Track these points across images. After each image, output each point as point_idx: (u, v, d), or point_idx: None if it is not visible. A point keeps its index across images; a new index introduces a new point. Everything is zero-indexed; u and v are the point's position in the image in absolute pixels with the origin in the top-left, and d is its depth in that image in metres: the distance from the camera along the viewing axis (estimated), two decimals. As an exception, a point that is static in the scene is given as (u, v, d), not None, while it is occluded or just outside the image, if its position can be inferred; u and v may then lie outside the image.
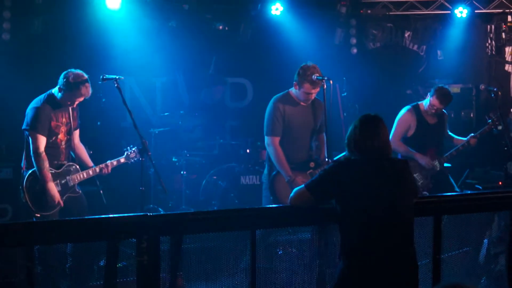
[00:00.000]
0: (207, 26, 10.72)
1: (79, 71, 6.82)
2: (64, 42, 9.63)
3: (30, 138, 6.72)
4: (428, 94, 8.14)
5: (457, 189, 8.29)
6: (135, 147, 7.14)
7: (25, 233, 4.38)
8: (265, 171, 7.39)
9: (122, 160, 7.18)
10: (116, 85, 6.68)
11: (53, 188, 6.74)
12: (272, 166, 7.26)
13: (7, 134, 8.81)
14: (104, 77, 6.74)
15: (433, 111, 8.07)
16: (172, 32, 10.40)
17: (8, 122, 8.32)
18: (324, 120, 7.12)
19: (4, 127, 8.84)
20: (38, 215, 6.69)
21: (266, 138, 7.27)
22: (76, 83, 6.73)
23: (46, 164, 6.68)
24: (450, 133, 8.40)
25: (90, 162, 7.13)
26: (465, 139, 8.25)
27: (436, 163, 8.08)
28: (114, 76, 6.70)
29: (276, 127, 7.16)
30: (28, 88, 7.16)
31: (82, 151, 7.18)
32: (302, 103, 7.26)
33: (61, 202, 6.79)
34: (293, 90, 7.27)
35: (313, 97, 7.26)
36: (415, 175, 7.84)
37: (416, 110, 8.18)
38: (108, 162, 7.09)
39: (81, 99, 6.86)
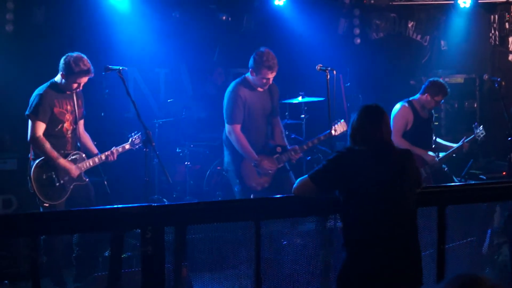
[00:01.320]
0: (211, 16, 10.71)
1: (77, 53, 6.84)
2: (67, 33, 9.61)
3: (30, 125, 6.74)
4: (427, 94, 8.16)
5: (456, 181, 8.34)
6: (139, 133, 7.17)
7: (30, 224, 4.39)
8: (228, 159, 7.51)
9: (127, 146, 7.21)
10: (119, 75, 6.69)
11: (65, 162, 6.78)
12: (236, 153, 7.35)
13: (11, 125, 8.81)
14: (108, 68, 6.75)
15: (433, 105, 8.15)
16: (175, 22, 10.39)
17: (12, 113, 8.32)
18: (276, 105, 7.52)
19: (8, 118, 8.84)
20: (47, 205, 6.72)
21: (227, 126, 7.39)
22: (77, 64, 6.74)
23: (48, 144, 6.70)
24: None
25: (95, 150, 7.17)
26: (454, 145, 8.33)
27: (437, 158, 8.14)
28: (117, 67, 6.71)
29: (238, 114, 7.28)
30: (32, 79, 7.17)
31: (87, 140, 7.21)
32: (259, 89, 7.32)
33: (76, 174, 6.82)
34: (250, 77, 7.32)
35: (270, 82, 7.31)
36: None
37: (411, 105, 8.24)
38: (114, 148, 7.13)
39: (85, 79, 6.87)
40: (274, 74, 7.27)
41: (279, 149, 7.43)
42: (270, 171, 7.39)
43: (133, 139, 7.23)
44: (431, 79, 8.46)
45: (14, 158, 8.59)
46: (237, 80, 7.45)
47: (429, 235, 5.19)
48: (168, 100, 9.92)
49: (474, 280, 2.68)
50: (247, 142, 7.30)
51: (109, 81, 8.32)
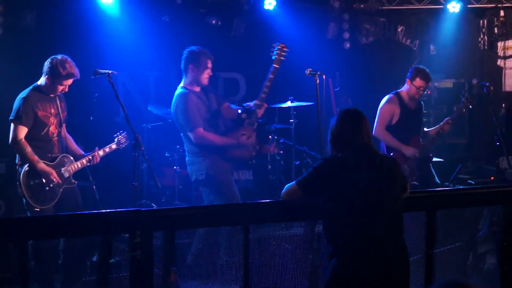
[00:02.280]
0: (200, 20, 10.70)
1: (62, 55, 6.83)
2: (57, 37, 9.59)
3: (13, 128, 6.71)
4: (407, 80, 8.18)
5: (437, 180, 8.35)
6: (125, 132, 7.18)
7: (18, 228, 4.38)
8: (205, 165, 7.25)
9: (114, 146, 7.21)
10: (109, 79, 6.68)
11: (45, 167, 6.74)
12: (214, 153, 7.22)
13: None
14: (97, 71, 6.75)
15: (421, 93, 8.15)
16: (165, 26, 10.38)
17: (0, 117, 8.30)
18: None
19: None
20: (38, 209, 6.69)
21: (192, 134, 7.18)
22: (63, 66, 6.73)
23: (29, 148, 6.67)
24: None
25: (80, 151, 7.15)
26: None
27: (418, 151, 8.14)
28: (107, 71, 6.71)
29: (198, 118, 7.15)
30: (21, 83, 7.13)
31: (70, 141, 7.19)
32: (196, 89, 7.33)
33: (58, 178, 6.80)
34: (188, 79, 7.34)
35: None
36: (403, 166, 7.90)
37: (398, 97, 8.26)
38: (101, 150, 7.11)
39: (70, 81, 6.85)
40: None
41: (244, 115, 7.34)
42: (250, 139, 7.32)
43: (119, 139, 7.23)
44: (414, 66, 8.47)
45: (3, 162, 8.57)
46: (182, 86, 7.36)
47: (416, 240, 5.20)
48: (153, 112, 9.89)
49: (462, 286, 2.70)
50: (218, 136, 7.26)
51: (99, 85, 8.32)
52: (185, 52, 7.42)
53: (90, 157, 7.06)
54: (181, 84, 7.38)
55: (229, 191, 7.21)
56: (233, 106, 7.54)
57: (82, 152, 7.14)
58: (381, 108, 8.24)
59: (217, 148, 7.18)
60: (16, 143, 6.67)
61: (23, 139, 6.67)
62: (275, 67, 7.29)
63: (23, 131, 6.68)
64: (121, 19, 9.99)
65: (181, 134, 7.36)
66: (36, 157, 6.70)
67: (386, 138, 8.13)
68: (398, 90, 8.34)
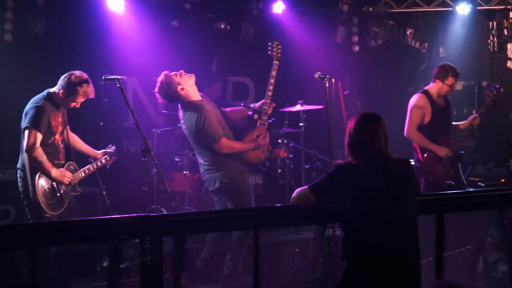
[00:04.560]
0: (209, 25, 10.73)
1: (80, 72, 6.86)
2: (66, 43, 9.63)
3: (28, 135, 6.72)
4: (437, 80, 8.04)
5: (464, 181, 8.25)
6: (114, 146, 7.25)
7: (28, 235, 4.39)
8: (226, 175, 7.04)
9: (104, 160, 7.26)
10: (118, 85, 6.70)
11: (58, 172, 6.79)
12: (234, 163, 7.07)
13: (10, 136, 8.81)
14: (106, 77, 6.77)
15: (453, 89, 8.06)
16: (174, 31, 10.41)
17: (11, 124, 8.33)
18: None
19: (7, 128, 8.85)
20: (48, 215, 6.71)
21: (216, 145, 6.94)
22: (80, 84, 6.77)
23: (45, 156, 6.71)
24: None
25: (90, 149, 7.21)
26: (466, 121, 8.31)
27: (450, 150, 8.03)
28: (116, 77, 6.73)
29: (219, 128, 6.97)
30: (30, 89, 7.16)
31: (78, 141, 7.23)
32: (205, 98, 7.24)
33: (71, 177, 6.87)
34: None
35: None
36: (436, 167, 7.86)
37: (428, 95, 8.09)
38: (103, 158, 7.18)
39: (84, 99, 6.90)
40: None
41: (255, 116, 7.29)
42: (266, 138, 7.27)
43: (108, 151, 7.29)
44: (439, 64, 8.39)
45: (13, 168, 8.56)
46: (195, 99, 7.12)
47: (427, 242, 5.18)
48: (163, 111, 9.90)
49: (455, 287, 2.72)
50: (240, 142, 7.13)
51: (108, 91, 8.35)
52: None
53: (96, 165, 7.11)
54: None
55: (248, 200, 7.12)
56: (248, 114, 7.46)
57: (93, 151, 7.19)
58: (411, 108, 8.06)
59: (237, 155, 7.13)
60: (33, 150, 6.68)
61: (40, 147, 6.70)
62: (275, 63, 7.30)
63: (39, 138, 6.70)
64: (130, 25, 10.01)
65: (193, 143, 7.20)
66: (51, 164, 6.74)
67: (418, 139, 7.98)
68: (425, 88, 8.19)
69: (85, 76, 6.86)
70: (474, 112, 8.37)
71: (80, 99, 6.88)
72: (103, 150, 7.31)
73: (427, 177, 7.88)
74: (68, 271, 6.96)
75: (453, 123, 8.37)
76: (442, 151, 7.94)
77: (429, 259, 5.20)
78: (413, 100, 8.12)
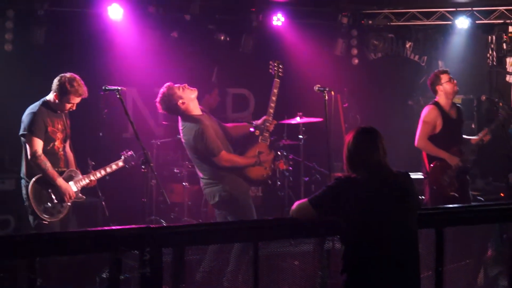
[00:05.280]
0: (209, 36, 10.76)
1: (70, 73, 6.86)
2: (66, 53, 9.65)
3: (27, 142, 6.73)
4: (436, 88, 8.09)
5: (470, 196, 8.25)
6: (131, 151, 7.19)
7: (28, 245, 4.38)
8: (226, 188, 7.00)
9: (121, 163, 7.19)
10: (118, 96, 6.71)
11: (64, 183, 6.77)
12: (233, 177, 7.04)
13: (10, 145, 8.81)
14: (106, 88, 6.78)
15: (452, 91, 8.07)
16: (174, 42, 10.43)
17: (10, 133, 8.32)
18: None
19: (7, 138, 8.85)
20: (46, 222, 6.70)
21: (216, 159, 6.91)
22: (70, 82, 6.76)
23: (48, 163, 6.70)
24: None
25: (77, 169, 7.17)
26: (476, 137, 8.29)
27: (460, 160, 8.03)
28: (116, 87, 6.74)
29: (218, 141, 6.95)
30: (31, 98, 7.16)
31: (71, 158, 7.20)
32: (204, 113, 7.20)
33: (73, 195, 6.82)
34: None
35: None
36: (441, 177, 7.87)
37: (438, 106, 8.12)
38: (107, 167, 7.13)
39: (78, 100, 6.88)
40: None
41: (257, 132, 7.27)
42: (269, 155, 7.24)
43: (126, 156, 7.22)
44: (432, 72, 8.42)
45: (13, 178, 8.60)
46: (190, 114, 7.05)
47: (426, 256, 5.17)
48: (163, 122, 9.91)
49: None
50: (241, 157, 7.10)
51: (108, 101, 8.36)
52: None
53: (98, 174, 7.08)
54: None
55: (250, 213, 7.10)
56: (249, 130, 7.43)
57: (79, 172, 7.13)
58: (423, 117, 8.10)
59: (237, 169, 7.11)
60: (36, 157, 6.68)
61: (43, 155, 6.70)
62: (276, 81, 7.30)
63: (40, 144, 6.71)
64: (130, 36, 10.03)
65: (192, 157, 7.18)
66: (56, 172, 6.73)
67: (429, 148, 7.99)
68: (435, 100, 8.18)
69: (76, 76, 6.86)
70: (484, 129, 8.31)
71: (74, 100, 6.86)
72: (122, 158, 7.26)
73: (432, 186, 7.92)
74: (68, 282, 6.95)
75: (465, 136, 8.37)
76: (454, 160, 7.95)
77: (428, 273, 5.19)
78: (424, 112, 8.18)
